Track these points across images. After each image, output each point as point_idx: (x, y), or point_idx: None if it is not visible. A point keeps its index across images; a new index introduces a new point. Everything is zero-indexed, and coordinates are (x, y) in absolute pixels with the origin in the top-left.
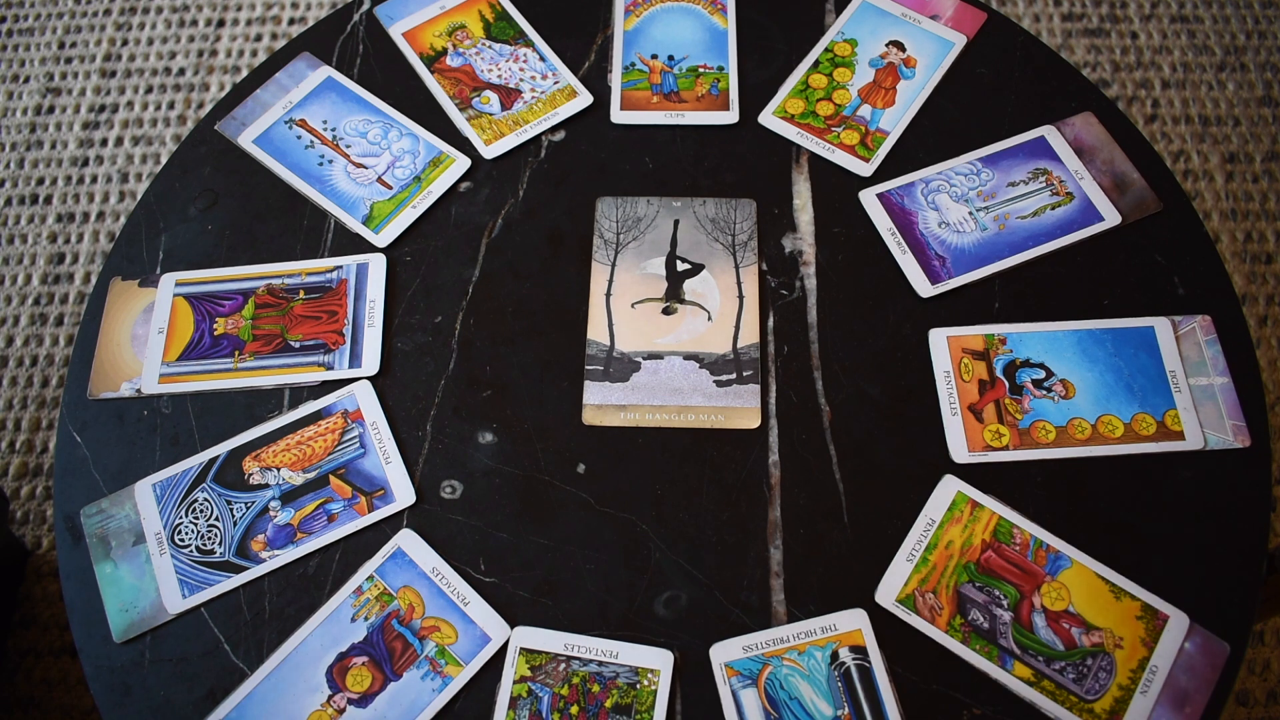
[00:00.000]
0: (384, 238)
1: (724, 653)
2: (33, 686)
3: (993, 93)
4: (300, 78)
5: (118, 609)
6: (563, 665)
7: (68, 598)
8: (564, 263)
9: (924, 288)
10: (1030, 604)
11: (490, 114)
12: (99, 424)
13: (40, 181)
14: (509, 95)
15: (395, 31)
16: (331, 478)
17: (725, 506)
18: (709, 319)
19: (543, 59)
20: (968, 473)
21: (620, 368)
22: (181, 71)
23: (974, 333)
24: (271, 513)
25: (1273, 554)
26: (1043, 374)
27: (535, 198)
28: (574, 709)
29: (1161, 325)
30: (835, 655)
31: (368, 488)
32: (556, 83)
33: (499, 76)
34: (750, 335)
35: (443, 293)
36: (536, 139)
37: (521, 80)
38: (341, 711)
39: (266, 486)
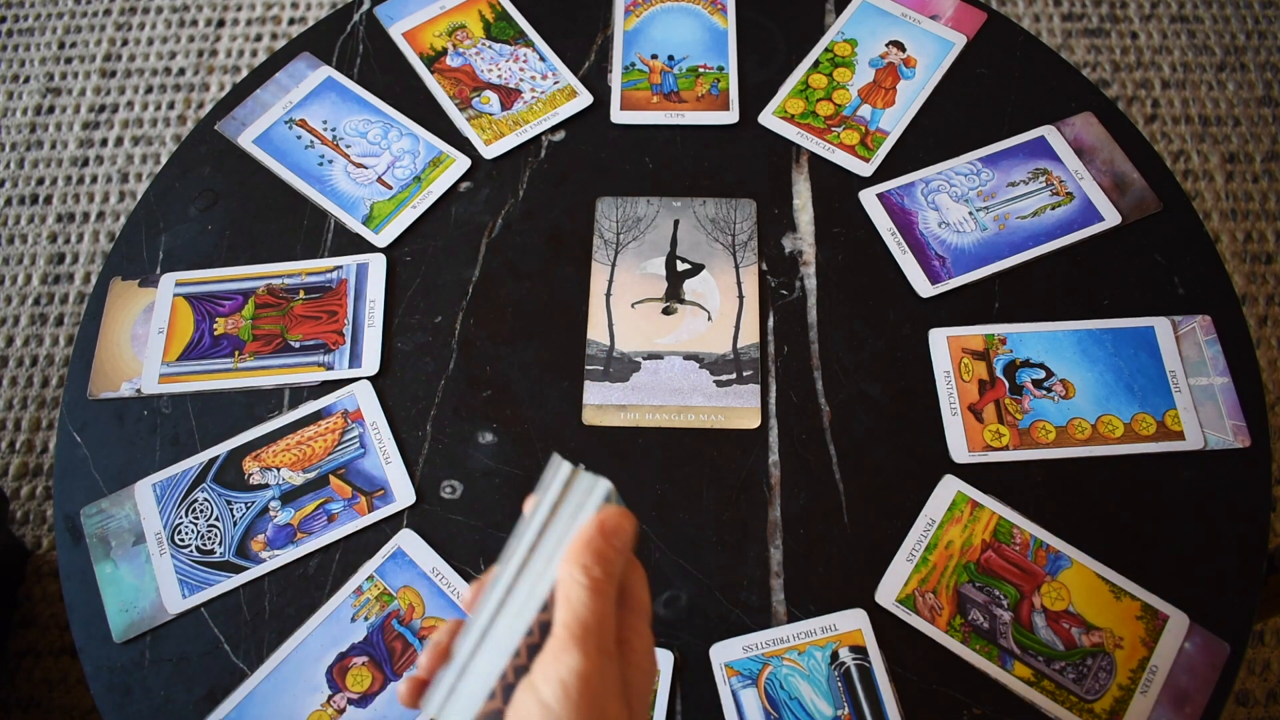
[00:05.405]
0: (384, 238)
1: (724, 653)
2: (33, 686)
3: (993, 93)
4: (300, 78)
5: (118, 609)
6: None
7: (68, 598)
8: (564, 263)
9: (924, 288)
10: (1030, 604)
11: (490, 114)
12: (99, 424)
13: (40, 181)
14: (509, 95)
15: (395, 31)
16: (331, 478)
17: (725, 506)
18: (709, 319)
19: (543, 59)
20: (968, 473)
21: (620, 368)
22: (181, 71)
23: (974, 333)
24: (271, 513)
25: (1273, 554)
26: (1043, 374)
27: (535, 198)
28: None
29: (1161, 325)
30: (835, 655)
31: (368, 488)
32: (556, 83)
33: (499, 76)
34: (750, 335)
35: (443, 293)
36: (536, 139)
37: (521, 80)
38: (341, 711)
39: (266, 486)
